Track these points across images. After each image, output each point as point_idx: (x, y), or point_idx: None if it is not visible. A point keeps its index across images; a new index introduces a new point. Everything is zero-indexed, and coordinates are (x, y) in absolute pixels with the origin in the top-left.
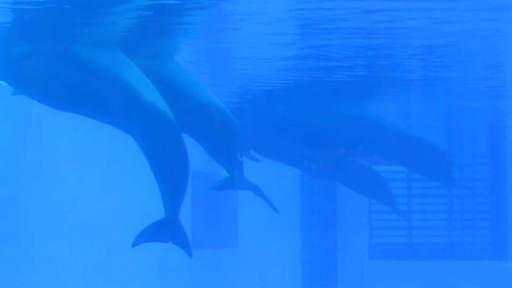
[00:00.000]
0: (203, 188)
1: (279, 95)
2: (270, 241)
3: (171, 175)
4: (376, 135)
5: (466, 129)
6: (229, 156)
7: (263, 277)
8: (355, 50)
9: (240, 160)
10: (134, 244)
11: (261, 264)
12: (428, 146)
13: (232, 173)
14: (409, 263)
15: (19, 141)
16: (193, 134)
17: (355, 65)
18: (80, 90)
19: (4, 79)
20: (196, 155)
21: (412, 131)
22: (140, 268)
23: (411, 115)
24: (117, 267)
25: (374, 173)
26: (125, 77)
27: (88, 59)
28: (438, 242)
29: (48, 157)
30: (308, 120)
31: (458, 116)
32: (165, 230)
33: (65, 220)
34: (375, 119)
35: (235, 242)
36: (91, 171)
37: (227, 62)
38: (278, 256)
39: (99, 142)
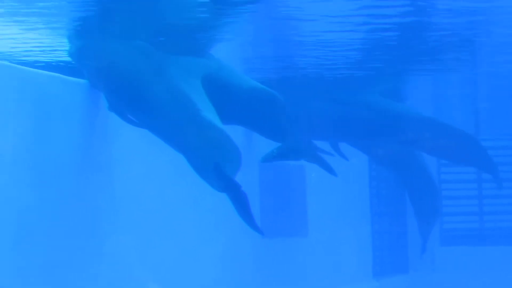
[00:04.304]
0: (271, 178)
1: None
2: (340, 229)
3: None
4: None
5: (493, 112)
6: (281, 130)
7: (333, 266)
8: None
9: (293, 130)
10: None
11: (331, 252)
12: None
13: (286, 143)
14: (481, 248)
15: (87, 134)
16: (240, 122)
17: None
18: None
19: (82, 70)
20: (264, 145)
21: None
22: (209, 260)
23: (440, 99)
24: (185, 259)
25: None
26: (186, 89)
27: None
28: (511, 227)
29: (117, 150)
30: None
31: (485, 99)
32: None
33: (134, 214)
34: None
35: (304, 231)
36: (160, 164)
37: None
38: (348, 244)
39: None
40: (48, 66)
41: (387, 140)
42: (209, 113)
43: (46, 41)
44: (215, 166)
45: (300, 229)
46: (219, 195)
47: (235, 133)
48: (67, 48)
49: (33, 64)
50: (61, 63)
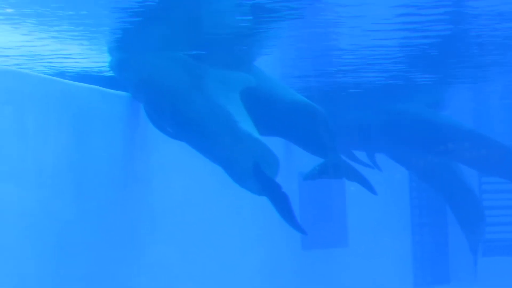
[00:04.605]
0: (311, 189)
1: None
2: (380, 240)
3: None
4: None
5: None
6: (322, 145)
7: (374, 276)
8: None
9: (333, 146)
10: None
11: (371, 263)
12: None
13: (327, 160)
14: None
15: (127, 145)
16: (282, 134)
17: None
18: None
19: (123, 83)
20: (301, 156)
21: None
22: (249, 270)
23: (480, 109)
24: (225, 269)
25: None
26: (224, 104)
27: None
28: None
29: (156, 161)
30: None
31: None
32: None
33: (173, 225)
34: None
35: (344, 242)
36: (198, 176)
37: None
38: (389, 254)
39: None
40: (88, 78)
41: (426, 151)
42: (247, 125)
43: (87, 53)
44: (254, 167)
45: (340, 239)
46: (258, 207)
47: (275, 145)
48: (108, 60)
49: (73, 77)
50: (102, 75)
